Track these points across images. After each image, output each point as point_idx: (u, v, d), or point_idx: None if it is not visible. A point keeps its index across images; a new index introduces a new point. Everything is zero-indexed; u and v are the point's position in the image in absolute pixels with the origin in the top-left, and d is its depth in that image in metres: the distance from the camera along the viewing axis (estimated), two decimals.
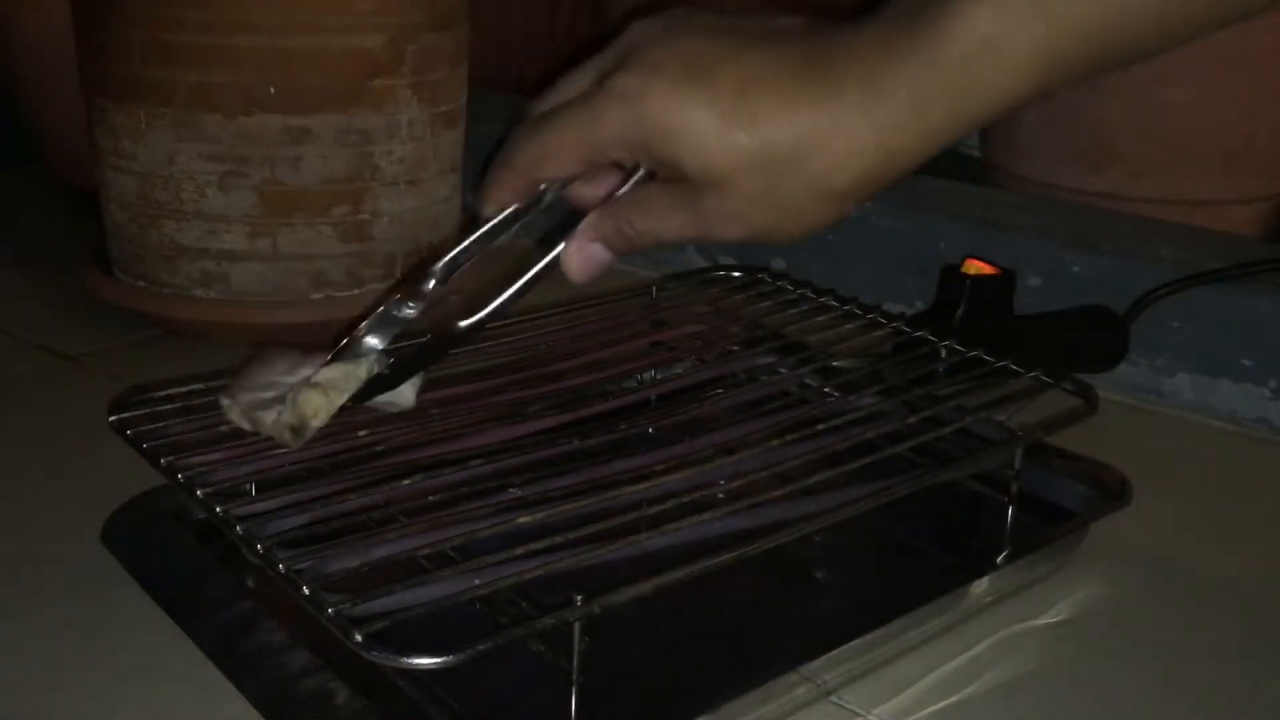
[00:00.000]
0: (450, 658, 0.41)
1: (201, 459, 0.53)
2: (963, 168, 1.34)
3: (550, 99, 0.49)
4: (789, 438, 0.56)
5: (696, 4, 0.48)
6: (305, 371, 0.56)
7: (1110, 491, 0.63)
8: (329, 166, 0.80)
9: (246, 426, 0.53)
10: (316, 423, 0.51)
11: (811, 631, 0.52)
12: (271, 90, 0.78)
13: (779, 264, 0.98)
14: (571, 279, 0.49)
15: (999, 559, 0.57)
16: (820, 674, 0.51)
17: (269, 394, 0.55)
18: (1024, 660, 0.55)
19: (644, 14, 0.47)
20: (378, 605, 0.43)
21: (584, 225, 0.48)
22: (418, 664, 0.41)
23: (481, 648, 0.42)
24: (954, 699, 0.52)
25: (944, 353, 0.67)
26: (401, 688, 0.49)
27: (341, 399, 0.51)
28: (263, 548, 0.46)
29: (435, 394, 0.58)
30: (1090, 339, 0.83)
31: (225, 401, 0.54)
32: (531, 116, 0.49)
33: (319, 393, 0.50)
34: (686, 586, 0.47)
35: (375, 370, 0.52)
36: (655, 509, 0.50)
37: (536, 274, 0.49)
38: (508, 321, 0.67)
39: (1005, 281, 0.79)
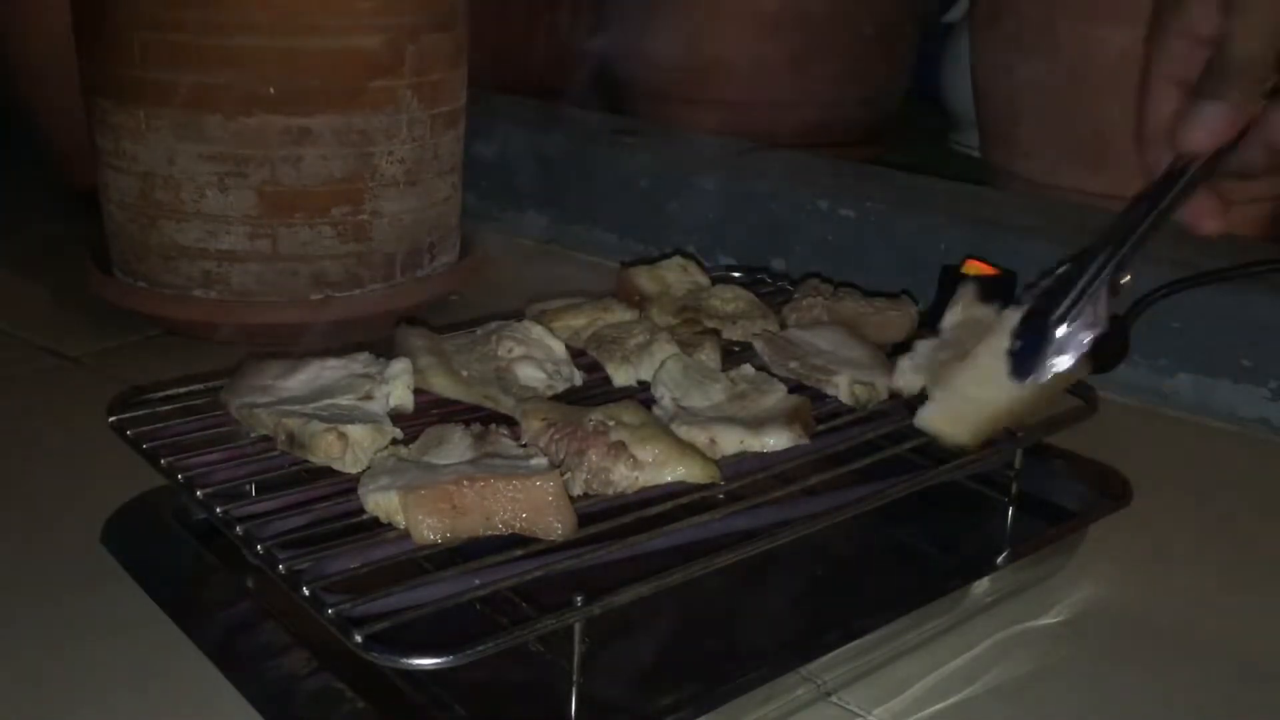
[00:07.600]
0: (450, 658, 0.41)
1: (201, 459, 0.53)
2: (963, 168, 1.34)
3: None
4: None
5: None
6: (300, 376, 0.56)
7: (1110, 492, 0.63)
8: (329, 166, 0.80)
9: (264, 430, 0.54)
10: (320, 460, 0.52)
11: (811, 631, 0.52)
12: (271, 90, 0.77)
13: (779, 264, 0.98)
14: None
15: (999, 559, 0.57)
16: (820, 674, 0.51)
17: (265, 398, 0.55)
18: (1024, 660, 0.55)
19: None
20: (378, 606, 0.43)
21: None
22: (418, 664, 0.41)
23: (481, 648, 0.42)
24: (954, 699, 0.52)
25: None
26: (402, 688, 0.49)
27: (357, 462, 0.51)
28: (263, 548, 0.46)
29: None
30: None
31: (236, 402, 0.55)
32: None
33: (339, 440, 0.51)
34: (686, 586, 0.47)
35: (393, 435, 0.53)
36: (655, 509, 0.50)
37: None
38: None
39: (1005, 281, 0.79)
